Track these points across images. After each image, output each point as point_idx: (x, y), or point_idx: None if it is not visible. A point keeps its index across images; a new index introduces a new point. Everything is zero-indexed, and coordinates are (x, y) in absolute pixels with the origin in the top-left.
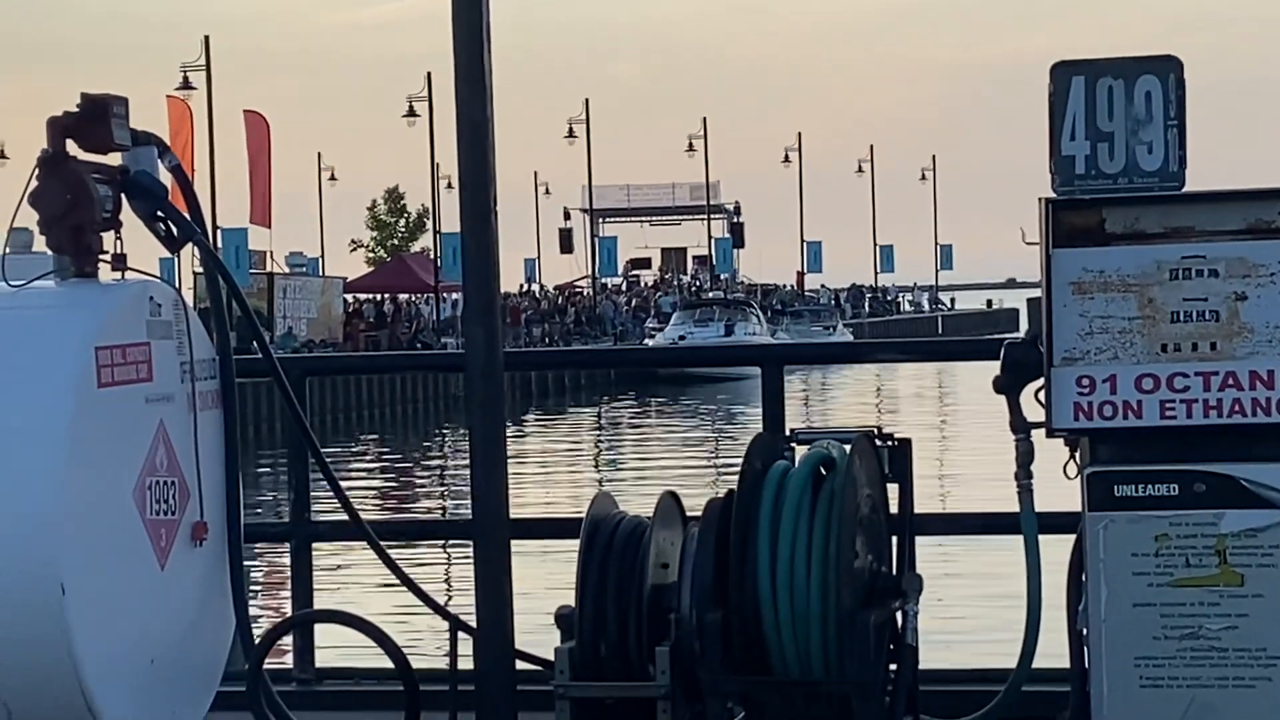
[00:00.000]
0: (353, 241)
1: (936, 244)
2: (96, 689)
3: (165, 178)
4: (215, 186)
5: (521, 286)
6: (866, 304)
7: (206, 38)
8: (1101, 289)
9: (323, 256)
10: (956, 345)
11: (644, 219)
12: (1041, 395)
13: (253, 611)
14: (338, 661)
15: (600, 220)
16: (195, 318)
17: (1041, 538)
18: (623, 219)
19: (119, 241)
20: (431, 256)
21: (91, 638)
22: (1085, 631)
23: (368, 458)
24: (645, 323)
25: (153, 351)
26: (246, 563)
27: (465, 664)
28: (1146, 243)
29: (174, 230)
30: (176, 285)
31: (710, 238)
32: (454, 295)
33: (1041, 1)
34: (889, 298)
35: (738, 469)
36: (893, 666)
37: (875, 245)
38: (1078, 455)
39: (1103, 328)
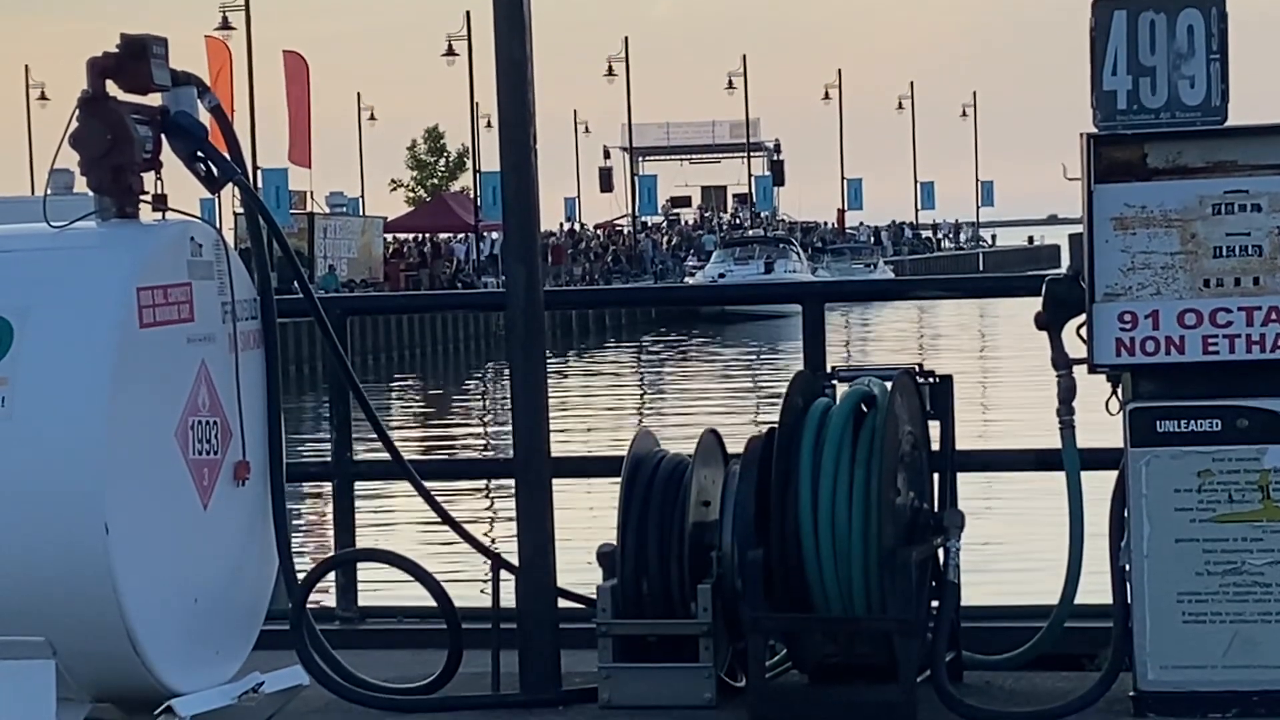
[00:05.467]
0: (393, 181)
1: (977, 180)
2: (140, 628)
3: (205, 118)
4: (255, 127)
5: (562, 225)
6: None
7: None
8: (1143, 224)
9: (363, 196)
10: (998, 281)
11: (684, 157)
12: (1083, 331)
13: (295, 550)
14: (380, 600)
15: (640, 159)
16: (236, 258)
17: (1084, 474)
18: (662, 157)
19: (159, 182)
20: (471, 196)
21: (135, 577)
22: (1127, 567)
23: (409, 397)
24: (685, 261)
25: (194, 292)
26: (288, 502)
27: (508, 602)
28: (1189, 177)
29: (214, 171)
30: (217, 226)
31: (750, 175)
32: (493, 234)
33: None
34: (940, 234)
35: (779, 407)
36: (934, 603)
37: (916, 182)
38: (1120, 391)
39: (1145, 263)
